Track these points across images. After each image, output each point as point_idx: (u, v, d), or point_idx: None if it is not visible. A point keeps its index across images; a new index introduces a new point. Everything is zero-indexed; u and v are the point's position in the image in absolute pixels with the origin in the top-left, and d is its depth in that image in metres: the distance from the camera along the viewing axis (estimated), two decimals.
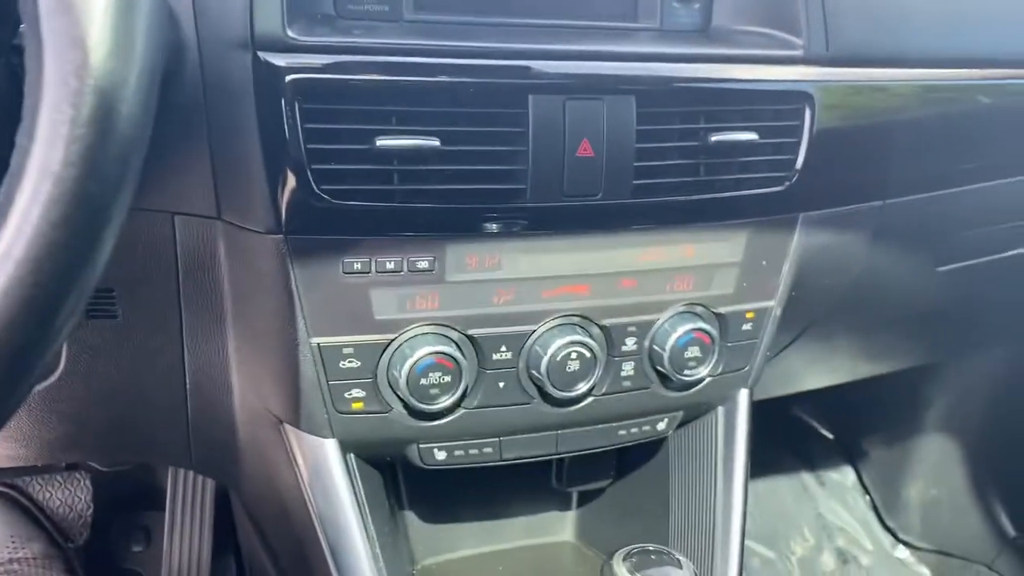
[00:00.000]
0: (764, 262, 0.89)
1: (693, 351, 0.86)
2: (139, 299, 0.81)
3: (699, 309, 0.88)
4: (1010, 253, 1.12)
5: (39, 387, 0.88)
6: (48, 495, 1.48)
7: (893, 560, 1.89)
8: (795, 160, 0.83)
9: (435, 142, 0.70)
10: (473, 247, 0.78)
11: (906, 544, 1.89)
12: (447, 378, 0.78)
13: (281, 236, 0.72)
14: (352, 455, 0.84)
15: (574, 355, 0.81)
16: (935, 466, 1.83)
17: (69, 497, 1.49)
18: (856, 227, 0.94)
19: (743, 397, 0.96)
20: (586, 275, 0.82)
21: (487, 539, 1.06)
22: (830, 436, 2.01)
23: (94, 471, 1.47)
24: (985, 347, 1.54)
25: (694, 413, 0.96)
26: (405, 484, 1.01)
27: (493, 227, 0.77)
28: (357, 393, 0.79)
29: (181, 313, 0.82)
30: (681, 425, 0.96)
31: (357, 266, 0.75)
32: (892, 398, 1.80)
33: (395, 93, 0.70)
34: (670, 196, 0.80)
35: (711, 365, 0.88)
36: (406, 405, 0.79)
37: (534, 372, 0.82)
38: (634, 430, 0.91)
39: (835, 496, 1.96)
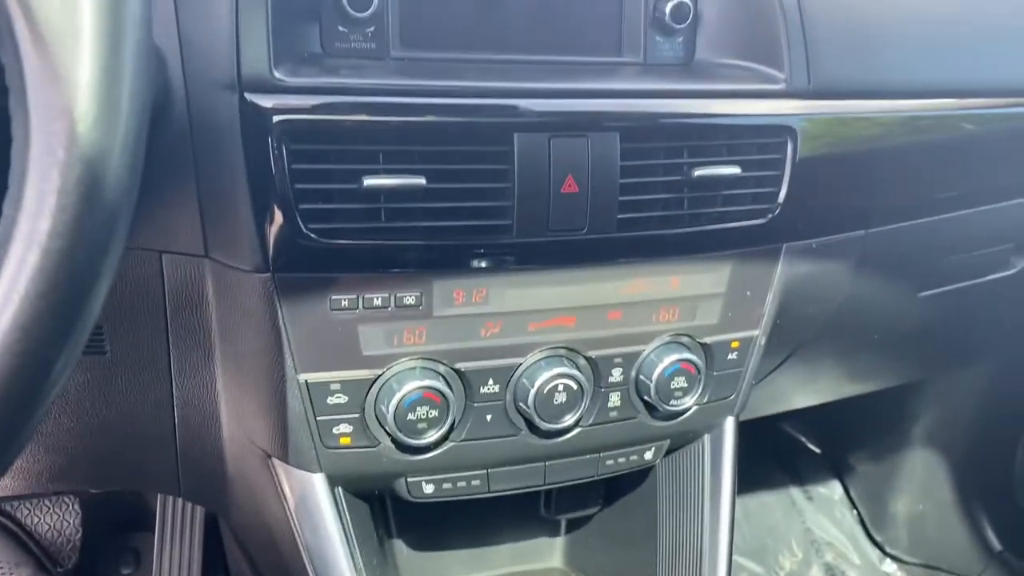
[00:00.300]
0: (748, 292, 0.90)
1: (679, 381, 0.87)
2: (128, 335, 0.82)
3: (685, 339, 0.88)
4: (991, 277, 1.14)
5: None
6: (37, 520, 1.48)
7: (880, 574, 1.90)
8: (778, 192, 0.85)
9: (421, 180, 0.71)
10: (460, 282, 0.78)
11: (893, 558, 1.90)
12: (434, 412, 0.79)
13: (269, 275, 0.73)
14: (340, 488, 0.84)
15: (561, 387, 0.82)
16: (922, 480, 1.84)
17: (58, 521, 1.49)
18: (839, 256, 0.96)
19: (729, 425, 0.97)
20: (572, 307, 0.83)
21: (476, 566, 1.06)
22: (817, 451, 2.02)
23: (83, 494, 1.46)
24: (969, 364, 1.56)
25: (681, 441, 0.97)
26: (394, 514, 1.02)
27: (480, 262, 0.77)
28: (344, 428, 0.79)
29: (169, 349, 0.82)
30: (668, 453, 0.97)
31: (344, 303, 0.75)
32: (879, 413, 1.82)
33: (381, 133, 0.71)
34: (654, 230, 0.81)
35: (697, 395, 0.89)
36: (394, 440, 0.80)
37: (521, 404, 0.83)
38: (621, 460, 0.92)
39: (823, 511, 1.97)
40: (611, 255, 0.82)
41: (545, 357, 0.83)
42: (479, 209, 0.75)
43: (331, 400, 0.78)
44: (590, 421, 0.87)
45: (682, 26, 0.85)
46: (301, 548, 0.84)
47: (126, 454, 0.98)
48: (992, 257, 1.13)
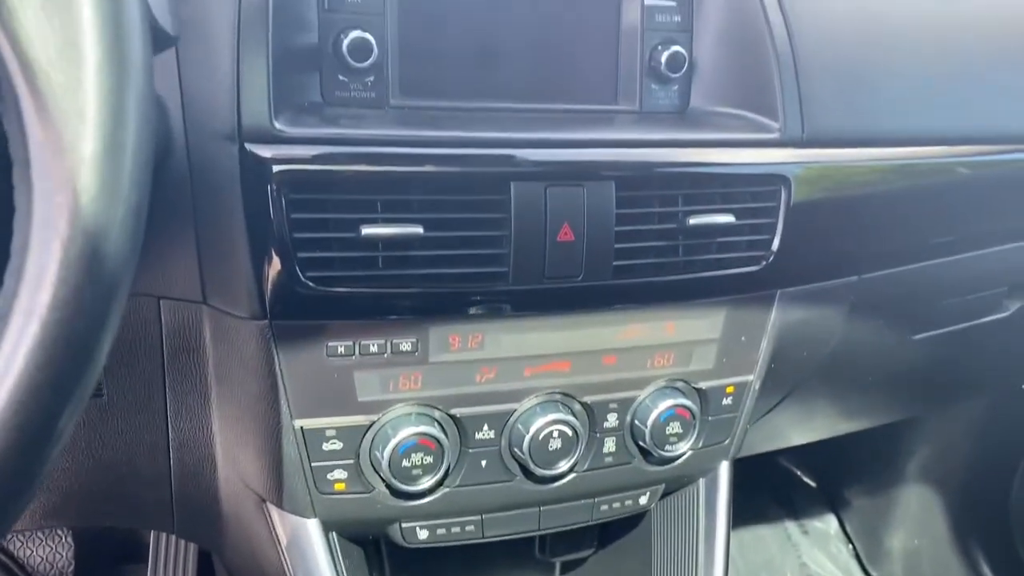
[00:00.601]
0: (743, 338, 0.90)
1: (674, 426, 0.87)
2: (124, 379, 0.82)
3: (680, 384, 0.89)
4: (986, 319, 1.14)
5: None
6: (29, 552, 1.47)
7: None
8: (772, 240, 0.85)
9: (419, 229, 0.72)
10: (456, 328, 0.79)
11: None
12: (429, 459, 0.79)
13: (266, 322, 0.73)
14: (334, 533, 0.84)
15: (556, 433, 0.82)
16: (917, 516, 1.84)
17: (51, 554, 1.48)
18: (833, 301, 0.96)
19: (724, 468, 0.97)
20: (567, 352, 0.83)
21: None
22: (813, 484, 2.02)
23: (76, 527, 1.46)
24: (963, 400, 1.56)
25: (675, 486, 0.97)
26: (388, 558, 1.01)
27: (476, 309, 0.78)
28: (339, 474, 0.79)
29: (166, 392, 0.82)
30: (663, 497, 0.97)
31: (341, 349, 0.76)
32: (874, 448, 1.82)
33: (380, 182, 0.72)
34: (650, 277, 0.81)
35: (692, 440, 0.89)
36: (388, 486, 0.80)
37: (516, 450, 0.83)
38: (616, 505, 0.92)
39: (818, 545, 1.97)
40: (606, 301, 0.82)
41: (540, 403, 0.83)
42: (476, 257, 0.75)
43: (326, 446, 0.78)
44: (585, 466, 0.87)
45: (677, 75, 0.87)
46: None
47: (121, 492, 0.98)
48: (986, 300, 1.14)
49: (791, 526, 1.98)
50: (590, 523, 0.93)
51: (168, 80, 0.70)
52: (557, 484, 0.87)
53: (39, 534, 1.46)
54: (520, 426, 0.82)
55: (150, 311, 0.77)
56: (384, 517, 0.83)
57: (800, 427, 1.36)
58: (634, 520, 1.02)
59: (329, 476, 0.79)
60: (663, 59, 0.85)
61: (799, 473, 2.04)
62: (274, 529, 0.84)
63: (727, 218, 0.82)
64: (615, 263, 0.79)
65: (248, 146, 0.69)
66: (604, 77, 0.87)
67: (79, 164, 0.38)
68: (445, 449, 0.79)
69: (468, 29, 0.82)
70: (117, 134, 0.40)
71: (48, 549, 1.47)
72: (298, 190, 0.70)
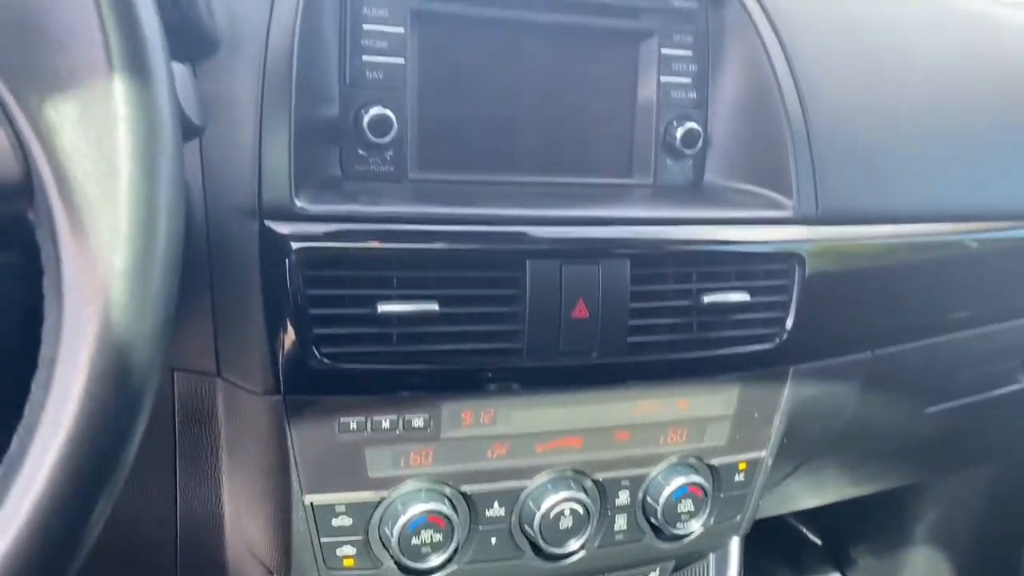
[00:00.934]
0: (756, 414, 0.90)
1: (686, 504, 0.86)
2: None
3: (692, 461, 0.88)
4: (999, 392, 1.14)
5: None
6: None
7: None
8: (786, 317, 0.85)
9: (434, 306, 0.72)
10: (468, 403, 0.78)
11: None
12: (438, 536, 0.78)
13: (279, 397, 0.73)
14: None
15: (567, 511, 0.82)
16: None
17: None
18: (846, 377, 0.96)
19: (734, 544, 0.96)
20: (579, 429, 0.83)
21: None
22: (819, 543, 2.00)
23: None
24: (973, 466, 1.55)
25: (685, 562, 0.96)
26: None
27: (489, 385, 0.78)
28: (348, 550, 0.78)
29: (176, 461, 0.82)
30: (672, 572, 0.95)
31: (353, 425, 0.75)
32: (882, 508, 1.80)
33: (397, 259, 0.72)
34: (663, 354, 0.81)
35: (704, 517, 0.88)
36: (397, 562, 0.79)
37: (527, 528, 0.82)
38: None
39: None
40: (620, 378, 0.82)
41: (551, 480, 0.82)
42: (490, 333, 0.75)
43: (335, 522, 0.77)
44: (595, 544, 0.86)
45: (692, 151, 0.87)
46: None
47: (125, 556, 0.96)
48: (999, 373, 1.13)
49: None
50: None
51: (190, 156, 0.71)
52: (567, 562, 0.85)
53: None
54: (531, 503, 0.82)
55: (164, 382, 0.77)
56: None
57: (809, 492, 1.35)
58: None
59: (338, 552, 0.78)
60: (678, 135, 0.86)
61: (805, 531, 2.02)
62: None
63: (742, 296, 0.82)
64: (629, 339, 0.79)
65: (268, 223, 0.69)
66: (619, 152, 0.88)
67: (111, 277, 0.38)
68: (455, 526, 0.78)
69: (486, 104, 0.83)
70: (149, 247, 0.40)
71: None
72: (316, 267, 0.70)
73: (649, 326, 0.80)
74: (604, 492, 0.85)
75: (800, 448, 0.99)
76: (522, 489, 0.82)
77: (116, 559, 0.99)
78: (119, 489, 0.42)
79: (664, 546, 0.90)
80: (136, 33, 0.40)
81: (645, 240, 0.79)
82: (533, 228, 0.76)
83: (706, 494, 0.87)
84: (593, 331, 0.77)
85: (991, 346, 1.08)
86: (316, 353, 0.71)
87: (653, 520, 0.87)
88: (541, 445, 0.82)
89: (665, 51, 0.87)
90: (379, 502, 0.78)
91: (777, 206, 0.85)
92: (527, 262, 0.75)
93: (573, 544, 0.83)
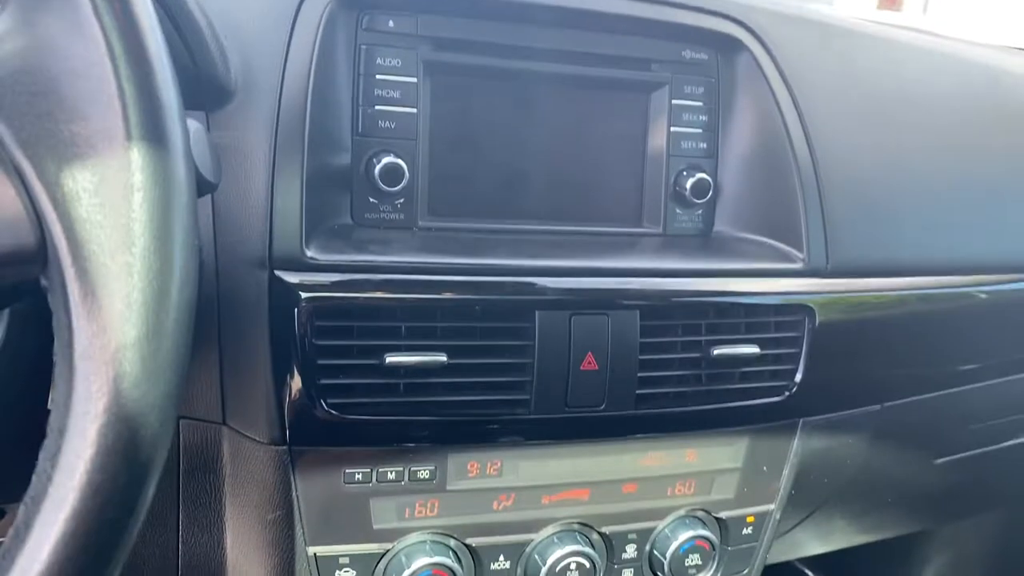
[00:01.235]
0: (765, 467, 0.89)
1: (694, 558, 0.85)
2: None
3: (700, 514, 0.87)
4: (1009, 443, 1.13)
5: None
6: None
7: None
8: (795, 370, 0.85)
9: (442, 357, 0.72)
10: (475, 455, 0.78)
11: None
12: None
13: (285, 447, 0.72)
14: None
15: (574, 565, 0.80)
16: None
17: None
18: (856, 429, 0.95)
19: None
20: (587, 481, 0.82)
21: None
22: None
23: None
24: (982, 513, 1.53)
25: None
26: None
27: (496, 437, 0.77)
28: None
29: (179, 509, 0.81)
30: None
31: (358, 476, 0.75)
32: (888, 552, 1.77)
33: (405, 310, 0.72)
34: (672, 407, 0.81)
35: (711, 570, 0.87)
36: None
37: None
38: None
39: None
40: (628, 430, 0.81)
41: (558, 532, 0.82)
42: (498, 384, 0.75)
43: (339, 574, 0.76)
44: None
45: (702, 200, 0.87)
46: None
47: None
48: (1009, 425, 1.12)
49: None
50: None
51: (202, 205, 0.71)
52: None
53: None
54: (537, 557, 0.81)
55: None
56: None
57: (816, 540, 1.33)
58: None
59: None
60: (688, 185, 0.86)
61: (809, 573, 1.99)
62: None
63: (751, 349, 0.81)
64: (638, 392, 0.78)
65: (278, 272, 0.69)
66: (629, 200, 0.88)
67: (122, 348, 0.38)
68: None
69: (496, 152, 0.83)
70: (162, 317, 0.40)
71: None
72: (325, 317, 0.70)
73: (658, 378, 0.79)
74: (611, 545, 0.84)
75: (808, 499, 0.98)
76: (528, 542, 0.81)
77: None
78: (126, 556, 0.41)
79: None
80: (154, 102, 0.41)
81: (655, 291, 0.79)
82: (542, 279, 0.76)
83: (714, 548, 0.86)
84: (602, 384, 0.77)
85: (1001, 398, 1.07)
86: (323, 404, 0.70)
87: (660, 574, 0.86)
88: (548, 497, 0.81)
89: (676, 102, 0.87)
90: (383, 554, 0.77)
91: (787, 258, 0.85)
92: (536, 313, 0.74)
93: None
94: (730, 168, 0.89)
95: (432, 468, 0.76)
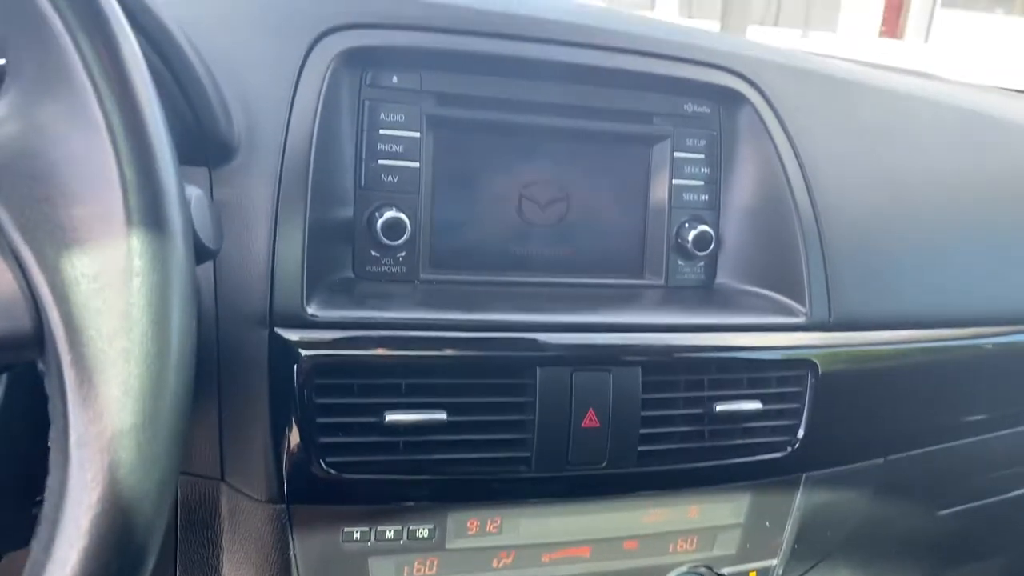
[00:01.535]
0: (767, 523, 0.88)
1: None
2: None
3: (702, 570, 0.86)
4: (1014, 494, 1.12)
5: None
6: None
7: None
8: (798, 425, 0.84)
9: (442, 415, 0.71)
10: (474, 512, 0.77)
11: None
12: None
13: (283, 506, 0.72)
14: None
15: None
16: None
17: None
18: (859, 483, 0.94)
19: None
20: (588, 539, 0.81)
21: None
22: None
23: None
24: (984, 562, 1.51)
25: None
26: None
27: (496, 495, 0.76)
28: None
29: (176, 564, 0.80)
30: None
31: (356, 535, 0.74)
32: None
33: (405, 367, 0.72)
34: (674, 464, 0.80)
35: None
36: None
37: None
38: None
39: None
40: (629, 487, 0.81)
41: None
42: (498, 442, 0.74)
43: None
44: None
45: (704, 252, 0.87)
46: None
47: None
48: (1014, 476, 1.11)
49: None
50: None
51: (203, 265, 0.71)
52: None
53: None
54: None
55: None
56: None
57: None
58: None
59: None
60: (690, 237, 0.86)
61: None
62: None
63: (754, 405, 0.81)
64: (640, 449, 0.78)
65: (278, 330, 0.69)
66: (631, 252, 0.88)
67: (118, 436, 0.38)
68: None
69: (499, 206, 0.83)
70: (159, 403, 0.39)
71: None
72: (324, 375, 0.69)
73: (660, 435, 0.79)
74: None
75: (811, 553, 0.97)
76: None
77: None
78: None
79: None
80: (154, 185, 0.41)
81: (658, 347, 0.79)
82: (544, 335, 0.75)
83: None
84: (603, 441, 0.76)
85: (1006, 450, 1.06)
86: (322, 463, 0.70)
87: None
88: (548, 555, 0.80)
89: (678, 154, 0.87)
90: None
91: (789, 312, 0.84)
92: (537, 369, 0.74)
93: None
94: (732, 220, 0.89)
95: (431, 527, 0.76)
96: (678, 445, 0.79)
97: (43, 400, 0.41)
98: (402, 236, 0.76)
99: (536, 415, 0.74)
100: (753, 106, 0.87)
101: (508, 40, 0.78)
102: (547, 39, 0.80)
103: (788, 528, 0.89)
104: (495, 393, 0.74)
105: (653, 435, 0.78)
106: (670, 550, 0.84)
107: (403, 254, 0.79)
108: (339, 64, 0.74)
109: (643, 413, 0.77)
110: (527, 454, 0.75)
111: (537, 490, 0.77)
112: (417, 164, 0.79)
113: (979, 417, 1.00)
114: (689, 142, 0.88)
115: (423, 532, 0.75)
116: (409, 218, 0.76)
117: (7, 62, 0.42)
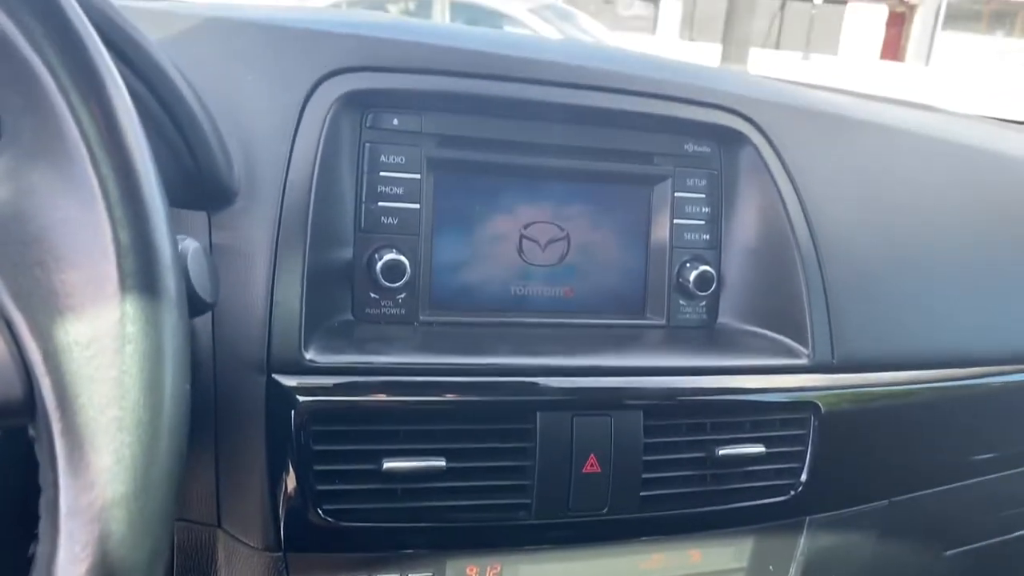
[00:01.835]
0: (771, 566, 0.87)
1: None
2: None
3: None
4: (1021, 533, 1.10)
5: None
6: None
7: None
8: (801, 468, 0.83)
9: (441, 462, 0.70)
10: (473, 559, 0.76)
11: None
12: None
13: (280, 554, 0.71)
14: None
15: None
16: None
17: None
18: (863, 526, 0.93)
19: None
20: None
21: None
22: None
23: None
24: None
25: None
26: None
27: (496, 542, 0.75)
28: None
29: None
30: None
31: None
32: None
33: (404, 413, 0.71)
34: (677, 509, 0.79)
35: None
36: None
37: None
38: None
39: None
40: (631, 533, 0.79)
41: None
42: (498, 488, 0.73)
43: None
44: None
45: (706, 293, 0.87)
46: None
47: None
48: (1021, 517, 1.10)
49: None
50: None
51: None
52: None
53: None
54: None
55: None
56: None
57: None
58: None
59: None
60: (691, 277, 0.86)
61: None
62: None
63: (757, 448, 0.80)
64: (642, 494, 0.77)
65: (275, 376, 0.68)
66: (632, 293, 0.87)
67: (109, 507, 0.37)
68: None
69: (498, 246, 0.82)
70: (151, 472, 0.39)
71: None
72: (322, 421, 0.69)
73: (662, 480, 0.78)
74: None
75: None
76: None
77: None
78: None
79: None
80: (149, 250, 0.40)
81: (659, 391, 0.78)
82: (544, 379, 0.75)
83: None
84: (605, 487, 0.75)
85: (1013, 490, 1.05)
86: (319, 510, 0.69)
87: None
88: None
89: (679, 194, 0.87)
90: None
91: (792, 353, 0.84)
92: (538, 414, 0.73)
93: None
94: (734, 260, 0.88)
95: (430, 574, 0.75)
96: (680, 490, 0.79)
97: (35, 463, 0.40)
98: (402, 278, 0.76)
99: (536, 461, 0.73)
100: (754, 146, 0.86)
101: (509, 82, 0.78)
102: (547, 81, 0.80)
103: (792, 572, 0.88)
104: (495, 439, 0.73)
105: (655, 480, 0.77)
106: None
107: (403, 296, 0.78)
108: (340, 107, 0.74)
109: (645, 458, 0.76)
110: (527, 500, 0.74)
111: (537, 537, 0.76)
112: (417, 205, 0.78)
113: (986, 457, 0.99)
114: (690, 182, 0.87)
115: None
116: (409, 260, 0.76)
117: (2, 123, 0.41)
